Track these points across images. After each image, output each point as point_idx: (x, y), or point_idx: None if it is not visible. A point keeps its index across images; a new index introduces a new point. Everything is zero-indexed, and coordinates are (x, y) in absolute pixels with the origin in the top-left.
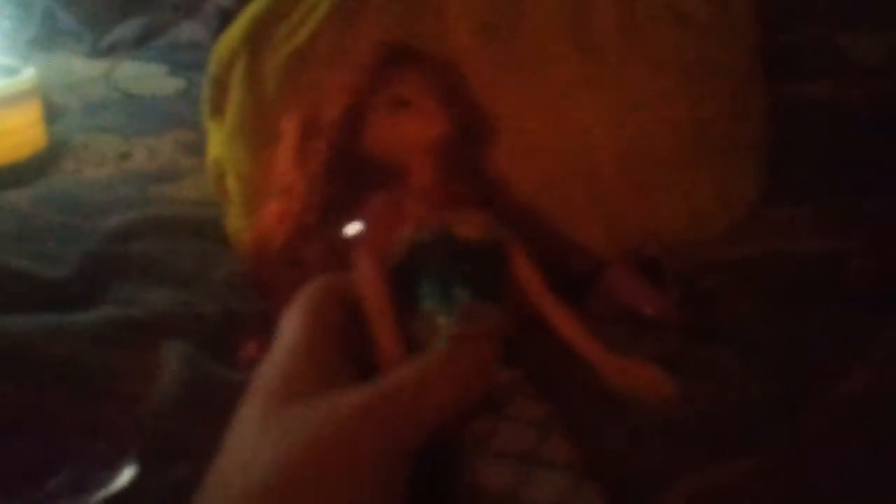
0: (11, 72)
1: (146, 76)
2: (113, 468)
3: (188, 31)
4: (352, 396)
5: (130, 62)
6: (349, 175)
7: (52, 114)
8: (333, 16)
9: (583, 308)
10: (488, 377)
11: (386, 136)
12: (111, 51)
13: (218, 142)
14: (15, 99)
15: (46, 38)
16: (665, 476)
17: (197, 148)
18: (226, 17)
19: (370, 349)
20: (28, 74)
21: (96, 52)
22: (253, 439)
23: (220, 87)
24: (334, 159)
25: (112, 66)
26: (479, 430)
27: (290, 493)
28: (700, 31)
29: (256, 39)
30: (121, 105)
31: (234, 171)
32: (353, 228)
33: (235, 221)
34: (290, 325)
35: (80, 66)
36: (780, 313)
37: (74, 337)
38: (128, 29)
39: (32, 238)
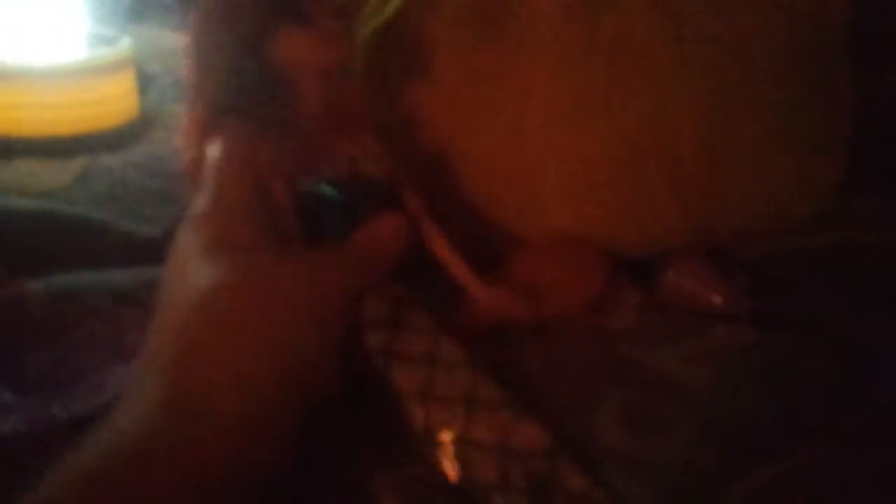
0: (109, 41)
1: None
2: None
3: None
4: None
5: None
6: (257, 83)
7: (143, 83)
8: None
9: (650, 296)
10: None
11: (285, 48)
12: None
13: None
14: (112, 68)
15: (139, 9)
16: (729, 473)
17: None
18: None
19: None
20: (124, 44)
21: (185, 24)
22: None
23: None
24: (242, 65)
25: None
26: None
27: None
28: (790, 11)
29: None
30: None
31: None
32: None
33: None
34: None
35: (170, 38)
36: (853, 304)
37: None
38: None
39: (127, 199)
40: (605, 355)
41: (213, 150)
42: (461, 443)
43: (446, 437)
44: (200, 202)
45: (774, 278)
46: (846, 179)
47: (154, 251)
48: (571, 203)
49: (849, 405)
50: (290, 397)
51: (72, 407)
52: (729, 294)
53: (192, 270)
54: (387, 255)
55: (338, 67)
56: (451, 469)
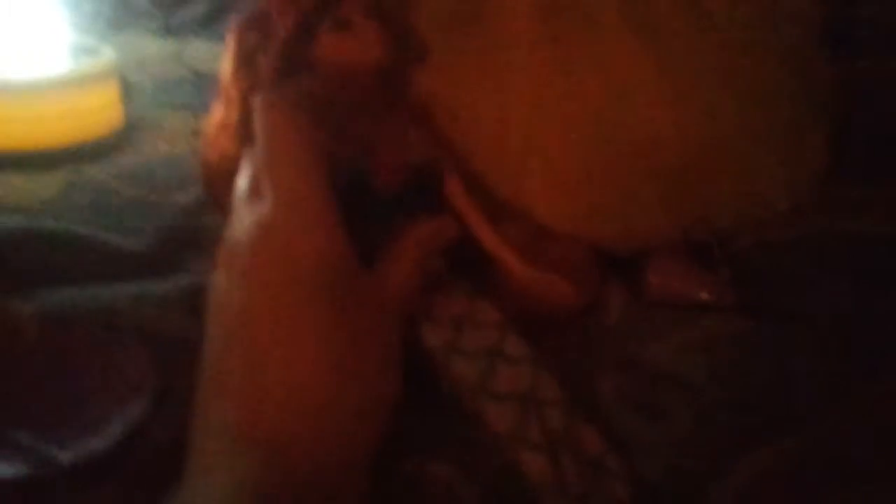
0: (91, 52)
1: (214, 54)
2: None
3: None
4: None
5: (199, 41)
6: (296, 87)
7: (126, 92)
8: None
9: (637, 291)
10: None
11: (330, 53)
12: (181, 29)
13: None
14: (95, 79)
15: (120, 17)
16: (723, 460)
17: None
18: None
19: None
20: (107, 55)
21: (167, 31)
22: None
23: None
24: (285, 70)
25: (182, 45)
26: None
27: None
28: (764, 8)
29: None
30: (191, 83)
31: None
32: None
33: None
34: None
35: (152, 45)
36: (838, 292)
37: (155, 304)
38: (196, 8)
39: (111, 211)
40: (597, 349)
41: (269, 137)
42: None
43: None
44: (266, 209)
45: (759, 269)
46: (828, 169)
47: (140, 265)
48: (555, 200)
49: (837, 390)
50: (367, 429)
51: (76, 449)
52: (714, 289)
53: (254, 321)
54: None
55: (378, 63)
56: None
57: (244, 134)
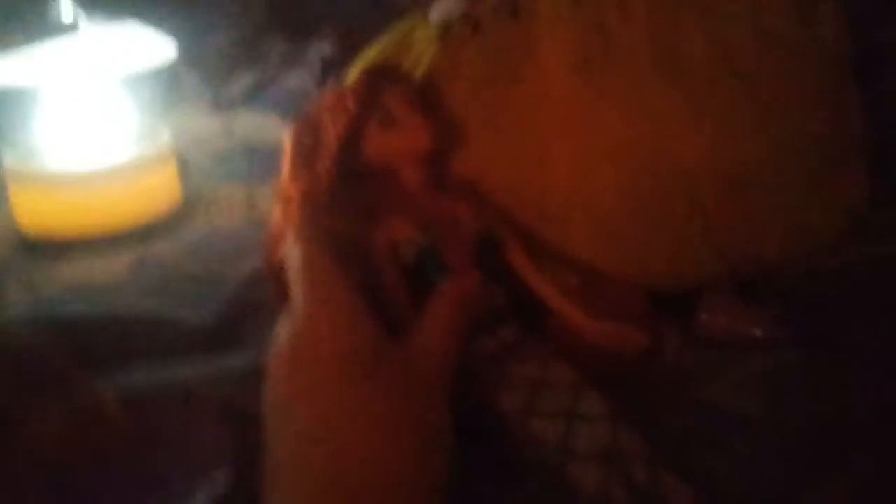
0: (150, 135)
1: (261, 126)
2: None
3: (296, 79)
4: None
5: (247, 114)
6: (355, 184)
7: (183, 169)
8: (438, 64)
9: (690, 330)
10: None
11: (380, 150)
12: (229, 104)
13: None
14: (155, 161)
15: (173, 97)
16: (787, 494)
17: None
18: (328, 65)
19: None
20: (164, 136)
21: (217, 107)
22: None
23: None
24: (340, 171)
25: (231, 118)
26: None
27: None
28: (788, 48)
29: None
30: (243, 155)
31: None
32: None
33: None
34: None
35: (203, 121)
36: (888, 319)
37: (231, 379)
38: (242, 83)
39: (178, 287)
40: (660, 392)
41: (304, 249)
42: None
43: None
44: (297, 316)
45: (808, 299)
46: (873, 193)
47: (207, 338)
48: (602, 245)
49: (887, 421)
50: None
51: None
52: (765, 324)
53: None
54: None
55: (424, 152)
56: None
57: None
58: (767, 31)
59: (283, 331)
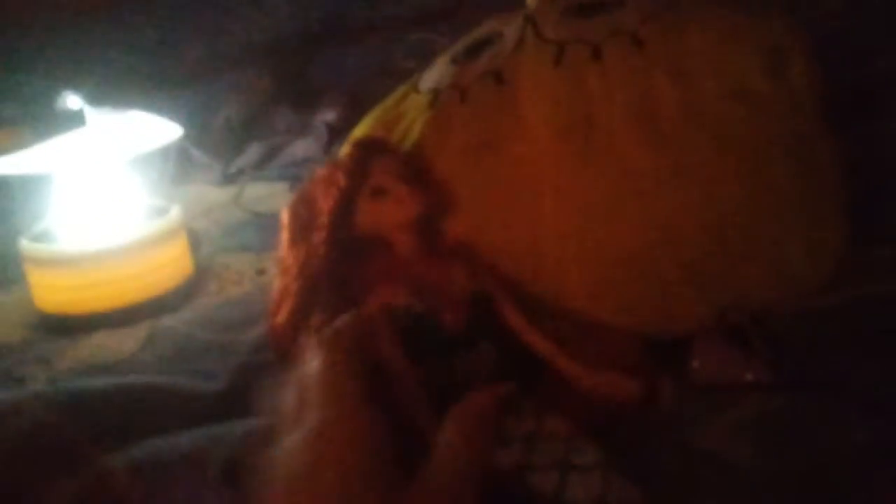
0: (161, 212)
1: (270, 195)
2: None
3: (302, 148)
4: None
5: (255, 184)
6: (349, 252)
7: (194, 240)
8: (428, 132)
9: (683, 376)
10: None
11: (371, 219)
12: (238, 175)
13: None
14: (167, 237)
15: (182, 172)
16: None
17: None
18: (333, 132)
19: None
20: (175, 213)
21: (225, 179)
22: None
23: None
24: (334, 241)
25: (239, 189)
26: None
27: None
28: (758, 102)
29: None
30: (252, 224)
31: None
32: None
33: None
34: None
35: (212, 194)
36: (876, 361)
37: (240, 445)
38: (250, 154)
39: (190, 357)
40: (654, 438)
41: (314, 364)
42: None
43: None
44: (314, 422)
45: (797, 341)
46: (859, 233)
47: (220, 405)
48: (595, 295)
49: (880, 462)
50: None
51: None
52: (756, 369)
53: None
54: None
55: (414, 219)
56: None
57: (303, 299)
58: (737, 87)
59: (296, 434)
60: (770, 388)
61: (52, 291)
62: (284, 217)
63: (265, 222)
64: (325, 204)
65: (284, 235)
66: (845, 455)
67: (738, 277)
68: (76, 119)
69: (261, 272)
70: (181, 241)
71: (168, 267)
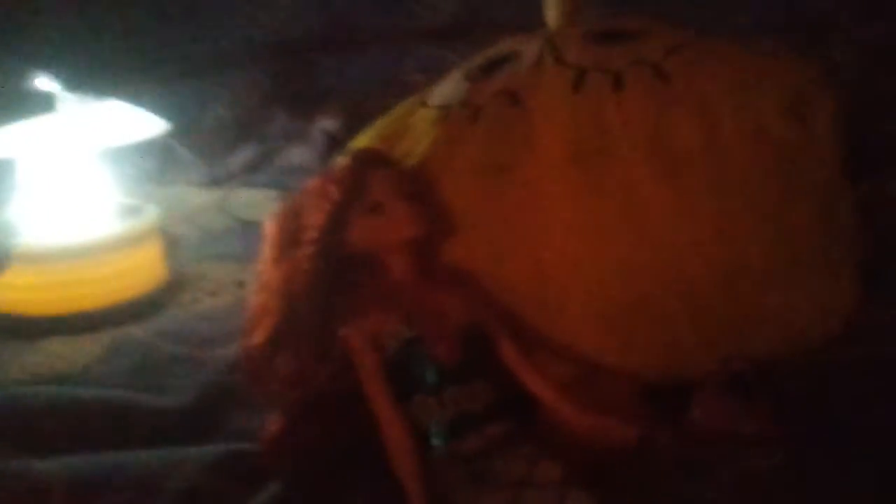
0: (135, 212)
1: (258, 203)
2: None
3: (298, 155)
4: None
5: (243, 190)
6: (337, 272)
7: (171, 245)
8: (435, 149)
9: (682, 426)
10: None
11: (365, 237)
12: (226, 179)
13: None
14: (139, 239)
15: (164, 170)
16: None
17: None
18: (333, 141)
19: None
20: (150, 214)
21: (211, 181)
22: None
23: None
24: (322, 259)
25: (226, 194)
26: None
27: None
28: (784, 150)
29: None
30: (235, 233)
31: None
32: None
33: None
34: None
35: (196, 196)
36: (881, 419)
37: (190, 471)
38: (241, 157)
39: (153, 372)
40: (650, 489)
41: None
42: None
43: None
44: None
45: (800, 397)
46: (870, 294)
47: (180, 424)
48: (597, 335)
49: None
50: None
51: None
52: (757, 422)
53: None
54: None
55: (411, 240)
56: None
57: (282, 320)
58: (761, 129)
59: None
60: (771, 443)
61: (7, 289)
62: (269, 228)
63: (250, 231)
64: (315, 217)
65: (267, 248)
66: None
67: (745, 329)
68: (44, 103)
69: (241, 284)
70: (155, 245)
71: (138, 272)
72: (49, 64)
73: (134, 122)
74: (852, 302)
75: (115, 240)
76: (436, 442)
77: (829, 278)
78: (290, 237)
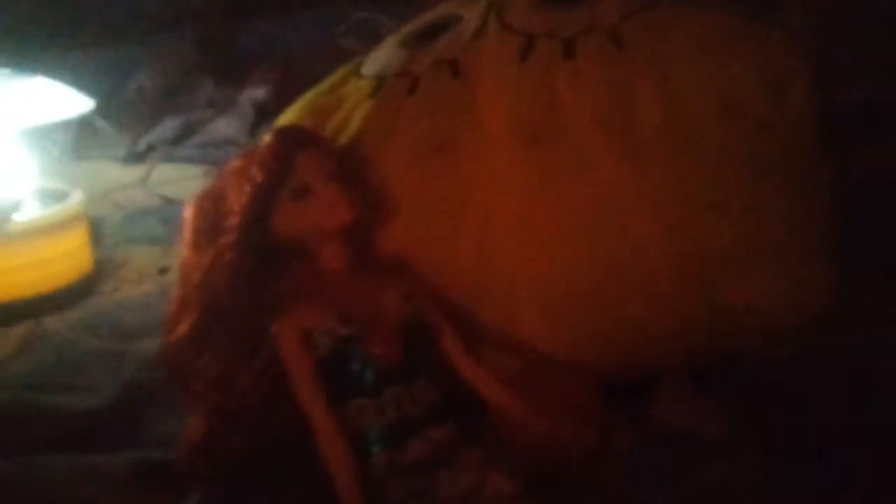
0: (58, 196)
1: (182, 178)
2: None
3: (224, 127)
4: None
5: (166, 165)
6: (262, 262)
7: (94, 231)
8: (369, 126)
9: (642, 426)
10: None
11: (292, 223)
12: (148, 152)
13: None
14: (62, 226)
15: (84, 146)
16: None
17: None
18: (262, 112)
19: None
20: (75, 199)
21: (133, 156)
22: None
23: None
24: (245, 247)
25: (148, 169)
26: None
27: None
28: (753, 120)
29: None
30: (159, 212)
31: None
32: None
33: None
34: None
35: (116, 172)
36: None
37: (101, 481)
38: (163, 130)
39: (69, 368)
40: (608, 495)
41: None
42: None
43: None
44: None
45: (762, 390)
46: (847, 279)
47: (99, 428)
48: (551, 328)
49: None
50: None
51: None
52: (719, 423)
53: None
54: None
55: (342, 226)
56: None
57: (204, 314)
58: (732, 102)
59: None
60: (731, 447)
61: None
62: (188, 213)
63: (174, 210)
64: (237, 201)
65: (187, 235)
66: None
67: (711, 318)
68: None
69: (163, 271)
70: (80, 233)
71: (61, 261)
72: None
73: (55, 98)
74: (828, 289)
75: (38, 226)
76: (375, 449)
77: (802, 265)
78: (210, 224)
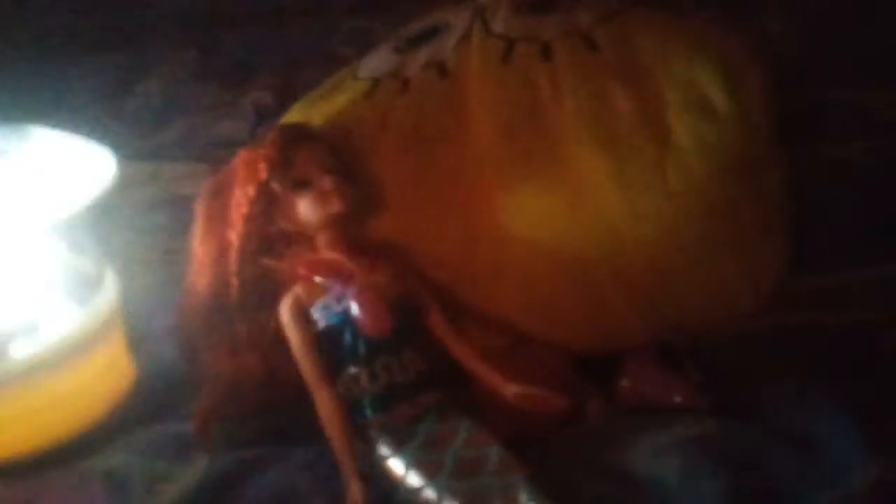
0: (91, 283)
1: (189, 176)
2: None
3: (227, 129)
4: None
5: (174, 164)
6: (266, 248)
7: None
8: (364, 122)
9: (612, 396)
10: None
11: (292, 213)
12: (156, 153)
13: None
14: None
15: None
16: None
17: None
18: (263, 114)
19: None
20: (108, 292)
21: (142, 156)
22: None
23: None
24: (250, 235)
25: (157, 168)
26: None
27: None
28: (716, 117)
29: None
30: (166, 207)
31: None
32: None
33: None
34: None
35: (128, 171)
36: (804, 388)
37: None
38: (169, 132)
39: None
40: (576, 456)
41: None
42: None
43: None
44: None
45: (727, 364)
46: (792, 261)
47: None
48: (529, 307)
49: (803, 487)
50: None
51: None
52: (685, 392)
53: None
54: None
55: (339, 214)
56: None
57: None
58: (698, 100)
59: None
60: (698, 412)
61: None
62: (197, 208)
63: (181, 206)
64: (242, 194)
65: (196, 227)
66: (770, 484)
67: (675, 297)
68: None
69: (171, 261)
70: (116, 343)
71: (92, 391)
72: None
73: (73, 166)
74: (783, 265)
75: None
76: (368, 413)
77: (759, 243)
78: (217, 215)
